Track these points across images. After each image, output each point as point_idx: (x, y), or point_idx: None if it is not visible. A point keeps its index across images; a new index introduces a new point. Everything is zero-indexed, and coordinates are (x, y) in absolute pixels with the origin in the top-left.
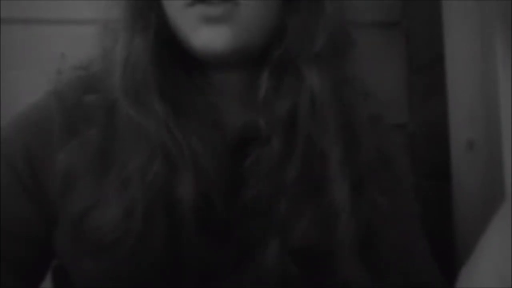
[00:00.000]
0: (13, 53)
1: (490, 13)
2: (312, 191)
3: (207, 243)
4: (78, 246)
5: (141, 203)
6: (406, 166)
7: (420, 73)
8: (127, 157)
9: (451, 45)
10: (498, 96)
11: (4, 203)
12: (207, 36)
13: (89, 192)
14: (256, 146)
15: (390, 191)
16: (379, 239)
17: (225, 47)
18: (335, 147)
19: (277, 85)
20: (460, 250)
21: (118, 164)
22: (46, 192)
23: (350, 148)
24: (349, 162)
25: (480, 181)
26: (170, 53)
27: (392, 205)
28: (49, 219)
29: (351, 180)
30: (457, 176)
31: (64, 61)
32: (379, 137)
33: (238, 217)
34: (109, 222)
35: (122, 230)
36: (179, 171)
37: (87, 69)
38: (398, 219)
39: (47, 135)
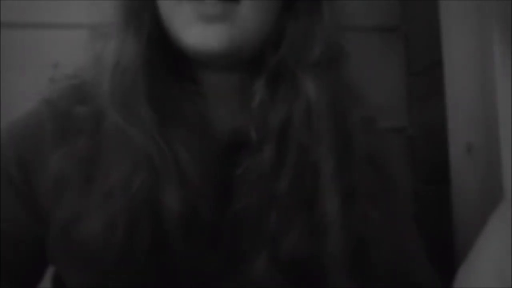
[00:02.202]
0: (11, 56)
1: (488, 17)
2: (303, 203)
3: (194, 254)
4: (65, 255)
5: (123, 215)
6: (400, 169)
7: (418, 76)
8: (111, 166)
9: (449, 49)
10: (496, 99)
11: None
12: (201, 34)
13: (75, 202)
14: (247, 154)
15: (383, 199)
16: (371, 249)
17: (219, 47)
18: (328, 159)
19: (273, 94)
20: (460, 252)
21: (103, 174)
22: (38, 198)
23: (343, 159)
24: (341, 174)
25: (479, 183)
26: (161, 56)
27: (385, 212)
28: (42, 223)
29: (342, 192)
30: (456, 179)
31: (58, 70)
32: (372, 141)
33: (227, 227)
34: (91, 235)
35: (104, 243)
36: (164, 181)
37: (79, 77)
38: (392, 224)
39: (39, 142)
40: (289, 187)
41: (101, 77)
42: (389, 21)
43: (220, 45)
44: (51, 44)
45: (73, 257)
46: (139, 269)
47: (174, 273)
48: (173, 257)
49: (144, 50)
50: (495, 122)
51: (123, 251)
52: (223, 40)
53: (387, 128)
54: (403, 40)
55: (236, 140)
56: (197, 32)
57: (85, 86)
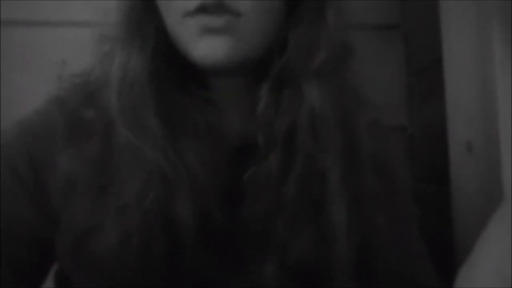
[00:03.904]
0: (16, 55)
1: (488, 16)
2: (310, 210)
3: (206, 259)
4: (78, 264)
5: (137, 229)
6: (404, 170)
7: (418, 76)
8: (124, 180)
9: (449, 48)
10: (496, 98)
11: (7, 206)
12: (207, 47)
13: (87, 213)
14: (254, 160)
15: (387, 200)
16: (377, 252)
17: (225, 59)
18: (335, 165)
19: (277, 101)
20: (460, 252)
21: (115, 187)
22: (48, 197)
23: (349, 165)
24: (348, 180)
25: (479, 182)
26: (167, 66)
27: (390, 215)
28: (51, 222)
29: (349, 198)
30: (456, 178)
31: (65, 68)
32: (378, 143)
33: (236, 234)
34: (106, 249)
35: (120, 257)
36: (177, 193)
37: (87, 76)
38: (395, 225)
39: (49, 140)
40: (296, 193)
41: (108, 88)
42: (389, 19)
43: (225, 56)
44: (53, 42)
45: (87, 267)
46: (152, 279)
47: (185, 279)
48: (185, 264)
49: (150, 63)
50: (495, 122)
51: (138, 264)
52: (228, 52)
53: (387, 127)
54: (403, 39)
55: (245, 145)
56: (202, 46)
57: (94, 85)
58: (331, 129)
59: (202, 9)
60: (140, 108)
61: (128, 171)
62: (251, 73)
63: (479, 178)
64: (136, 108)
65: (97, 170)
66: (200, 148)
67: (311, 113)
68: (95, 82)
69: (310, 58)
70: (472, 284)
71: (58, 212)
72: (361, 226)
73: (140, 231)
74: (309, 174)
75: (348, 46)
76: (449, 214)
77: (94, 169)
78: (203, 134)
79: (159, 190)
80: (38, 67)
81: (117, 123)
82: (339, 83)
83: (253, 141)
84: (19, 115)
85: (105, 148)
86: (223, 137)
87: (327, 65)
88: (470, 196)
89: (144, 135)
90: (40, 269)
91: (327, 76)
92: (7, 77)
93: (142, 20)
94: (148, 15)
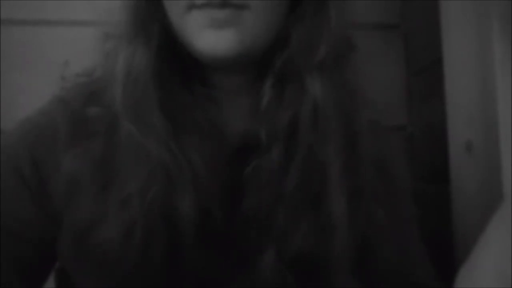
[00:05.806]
0: (14, 55)
1: (488, 16)
2: (310, 202)
3: (207, 255)
4: (80, 260)
5: (140, 223)
6: (404, 170)
7: (418, 75)
8: (127, 175)
9: (449, 48)
10: (496, 98)
11: (9, 205)
12: (211, 38)
13: (90, 208)
14: (256, 155)
15: (387, 199)
16: (376, 248)
17: (229, 51)
18: (335, 159)
19: (280, 95)
20: (459, 252)
21: (119, 181)
22: (51, 197)
23: (349, 159)
24: (348, 174)
25: (478, 182)
26: (171, 63)
27: (390, 213)
28: (54, 222)
29: (349, 192)
30: (456, 177)
31: (67, 68)
32: (378, 143)
33: (237, 227)
34: (109, 242)
35: (122, 250)
36: (179, 189)
37: (90, 75)
38: (395, 225)
39: (53, 142)
40: (296, 186)
41: (112, 85)
42: (389, 19)
43: (230, 49)
44: (57, 42)
45: (89, 263)
46: (154, 274)
47: (186, 275)
48: (186, 259)
49: (154, 60)
50: (495, 121)
51: (140, 258)
52: (233, 44)
53: (387, 127)
54: (403, 38)
55: (245, 145)
56: (208, 38)
57: (97, 84)
58: (333, 122)
59: (207, 3)
60: (144, 104)
61: (131, 166)
62: (252, 71)
63: (479, 178)
64: (140, 104)
65: (100, 169)
66: (202, 146)
67: (313, 106)
68: (98, 81)
69: (312, 52)
70: (472, 284)
71: (60, 211)
72: (361, 221)
73: (142, 224)
74: (310, 167)
75: (349, 42)
76: (449, 214)
77: (97, 168)
78: (204, 133)
79: (161, 185)
80: (38, 67)
81: (122, 118)
82: (342, 79)
83: (254, 140)
84: (20, 115)
85: (108, 146)
86: (223, 136)
87: (329, 59)
88: (470, 195)
89: (148, 131)
90: (42, 269)
91: (329, 71)
92: (7, 77)
93: (147, 19)
94: (152, 14)
